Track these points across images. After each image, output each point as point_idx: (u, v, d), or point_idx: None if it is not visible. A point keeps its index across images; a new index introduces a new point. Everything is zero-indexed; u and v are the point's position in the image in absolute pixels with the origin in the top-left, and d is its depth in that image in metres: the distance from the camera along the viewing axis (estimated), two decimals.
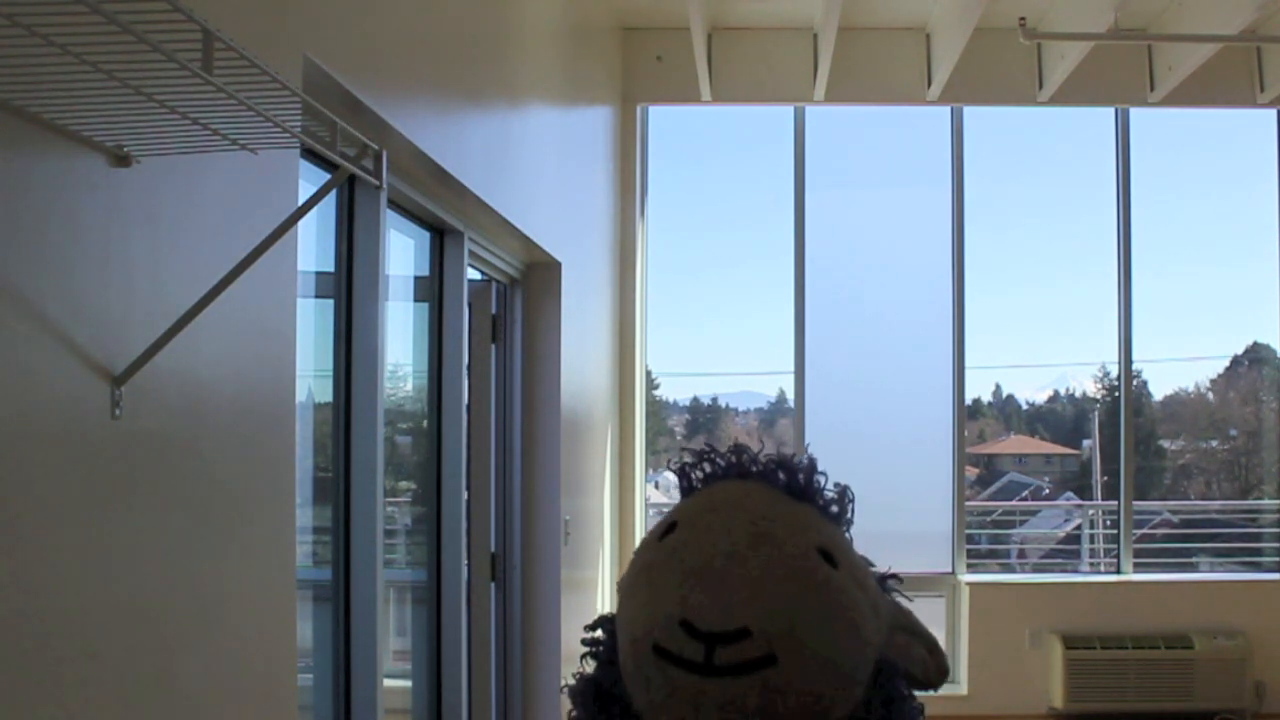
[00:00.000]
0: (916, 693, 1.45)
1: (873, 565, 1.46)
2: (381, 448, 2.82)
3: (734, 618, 1.26)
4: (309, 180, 2.24)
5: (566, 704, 1.46)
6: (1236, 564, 7.15)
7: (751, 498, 1.40)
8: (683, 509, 1.43)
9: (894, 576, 1.48)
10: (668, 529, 1.39)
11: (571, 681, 1.44)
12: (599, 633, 1.44)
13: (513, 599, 4.47)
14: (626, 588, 1.39)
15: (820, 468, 1.44)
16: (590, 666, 1.44)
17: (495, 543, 4.29)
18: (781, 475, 1.41)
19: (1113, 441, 6.68)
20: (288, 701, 2.15)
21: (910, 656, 1.41)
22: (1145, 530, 7.14)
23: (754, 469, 1.43)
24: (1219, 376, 7.98)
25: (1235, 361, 7.95)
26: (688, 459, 1.47)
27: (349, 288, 2.80)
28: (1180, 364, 7.48)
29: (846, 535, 1.44)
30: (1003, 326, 7.06)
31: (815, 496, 1.42)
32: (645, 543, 1.41)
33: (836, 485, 1.44)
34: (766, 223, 6.83)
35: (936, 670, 1.43)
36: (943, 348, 6.53)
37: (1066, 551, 7.68)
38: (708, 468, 1.45)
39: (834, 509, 1.43)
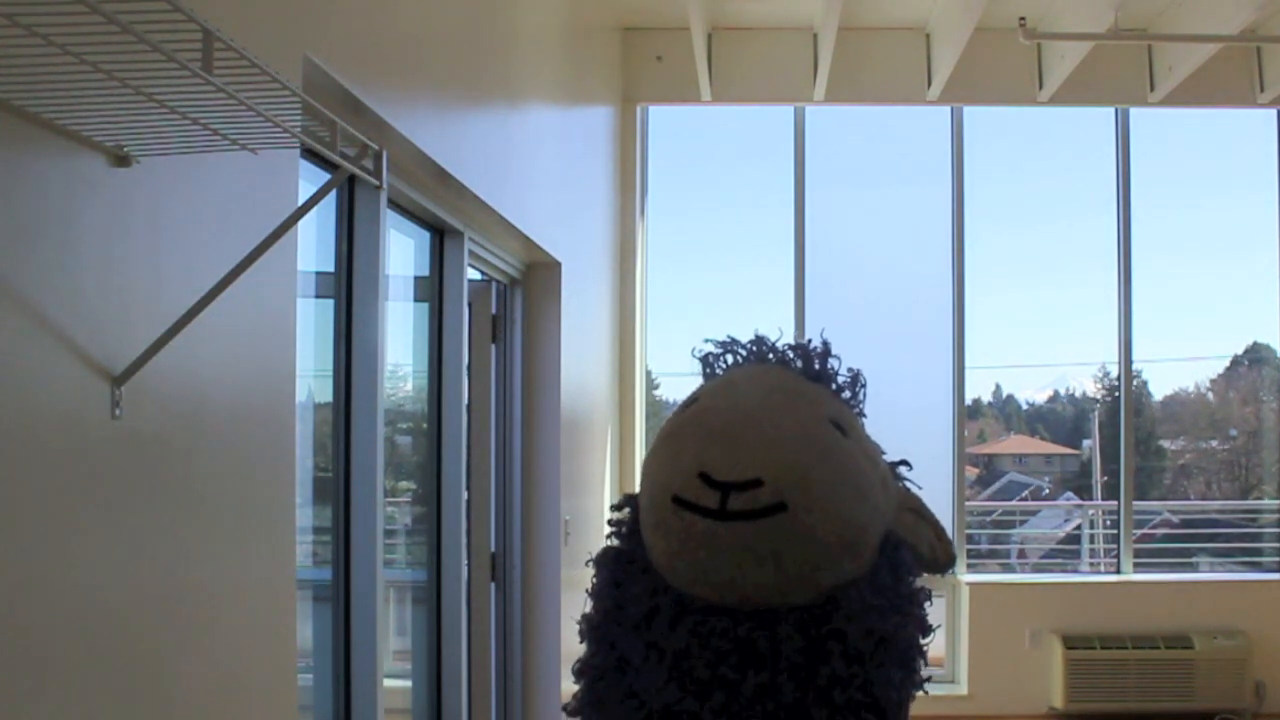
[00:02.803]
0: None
1: (884, 452, 1.53)
2: (381, 448, 2.82)
3: (748, 469, 1.34)
4: (309, 180, 2.24)
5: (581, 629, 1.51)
6: (1236, 564, 7.15)
7: (770, 374, 1.49)
8: (704, 386, 1.52)
9: (905, 463, 1.55)
10: (690, 403, 1.48)
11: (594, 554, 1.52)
12: (623, 512, 1.52)
13: (513, 599, 4.47)
14: (651, 454, 1.47)
15: (835, 353, 1.53)
16: (615, 543, 1.52)
17: (495, 543, 4.29)
18: (798, 359, 1.50)
19: (1113, 441, 6.68)
20: (288, 701, 2.15)
21: (919, 535, 1.48)
22: (1145, 530, 7.14)
23: (772, 355, 1.52)
24: (1219, 376, 7.98)
25: (1235, 361, 7.95)
26: (711, 349, 1.56)
27: (349, 288, 2.80)
28: (1180, 364, 7.49)
29: (859, 419, 1.52)
30: (1003, 326, 7.06)
31: (829, 379, 1.51)
32: (670, 417, 1.50)
33: (850, 369, 1.53)
34: (766, 223, 6.83)
35: (944, 553, 1.49)
36: (943, 348, 6.53)
37: (1066, 551, 7.68)
38: (729, 358, 1.55)
39: (846, 393, 1.52)
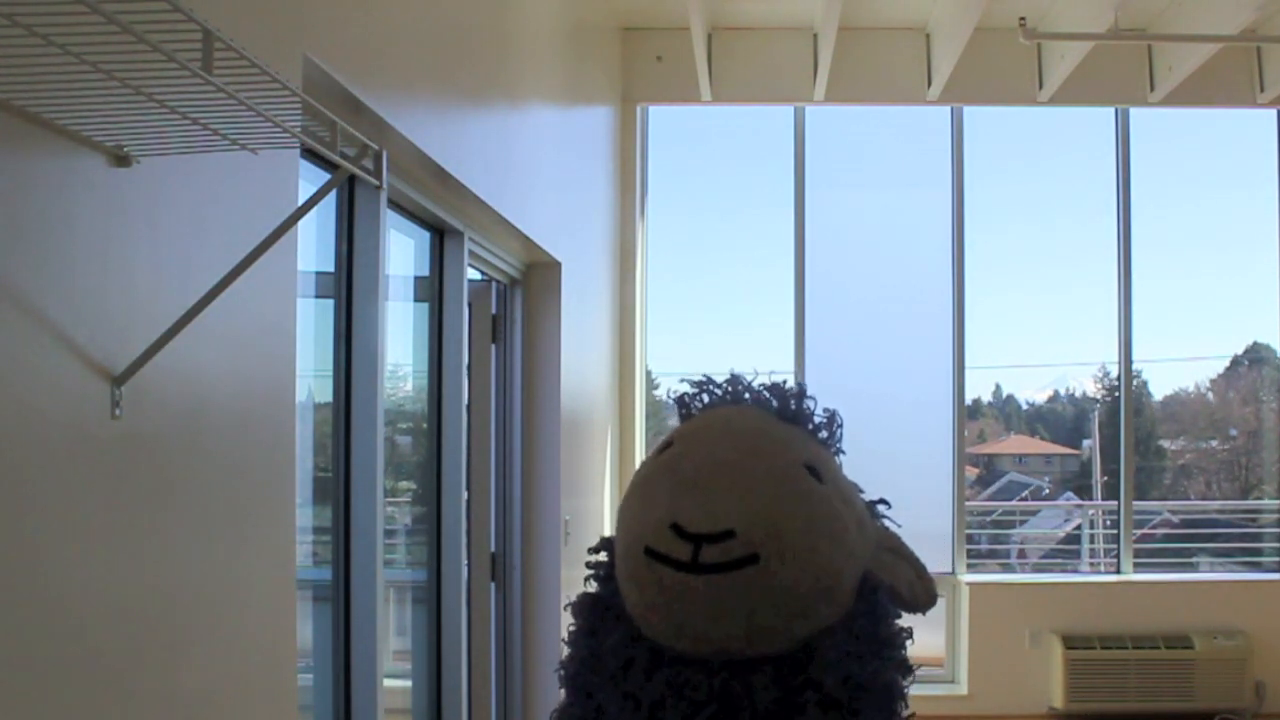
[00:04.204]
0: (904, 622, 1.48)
1: (862, 491, 1.52)
2: (381, 448, 2.82)
3: (720, 519, 1.32)
4: (309, 180, 2.24)
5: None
6: (1236, 564, 7.15)
7: (744, 417, 1.48)
8: (680, 429, 1.51)
9: (883, 501, 1.53)
10: (665, 447, 1.47)
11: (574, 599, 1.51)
12: (602, 555, 1.50)
13: (513, 599, 4.47)
14: (624, 501, 1.46)
15: (810, 394, 1.52)
16: (593, 587, 1.50)
17: (495, 543, 4.29)
18: (773, 400, 1.49)
19: (1113, 441, 6.68)
20: (288, 701, 2.14)
21: (897, 575, 1.45)
22: (1145, 530, 7.14)
23: (748, 395, 1.51)
24: (1219, 376, 7.98)
25: (1235, 361, 7.95)
26: (687, 389, 1.56)
27: (349, 288, 2.80)
28: (1180, 364, 7.49)
29: (836, 458, 1.51)
30: (1003, 326, 7.06)
31: (805, 419, 1.49)
32: (644, 461, 1.49)
33: (826, 410, 1.52)
34: (766, 222, 6.82)
35: (924, 593, 1.46)
36: (943, 348, 6.53)
37: (1066, 551, 7.68)
38: (705, 397, 1.54)
39: (823, 434, 1.50)
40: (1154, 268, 6.59)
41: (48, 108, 1.38)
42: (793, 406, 1.48)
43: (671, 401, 1.58)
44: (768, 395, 1.50)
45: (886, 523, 1.53)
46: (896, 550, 1.48)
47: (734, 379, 1.54)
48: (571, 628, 1.50)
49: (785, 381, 1.52)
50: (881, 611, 1.41)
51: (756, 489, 1.35)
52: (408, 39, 2.82)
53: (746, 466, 1.38)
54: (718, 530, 1.31)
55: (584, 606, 1.48)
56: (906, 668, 1.43)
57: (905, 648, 1.44)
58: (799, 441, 1.45)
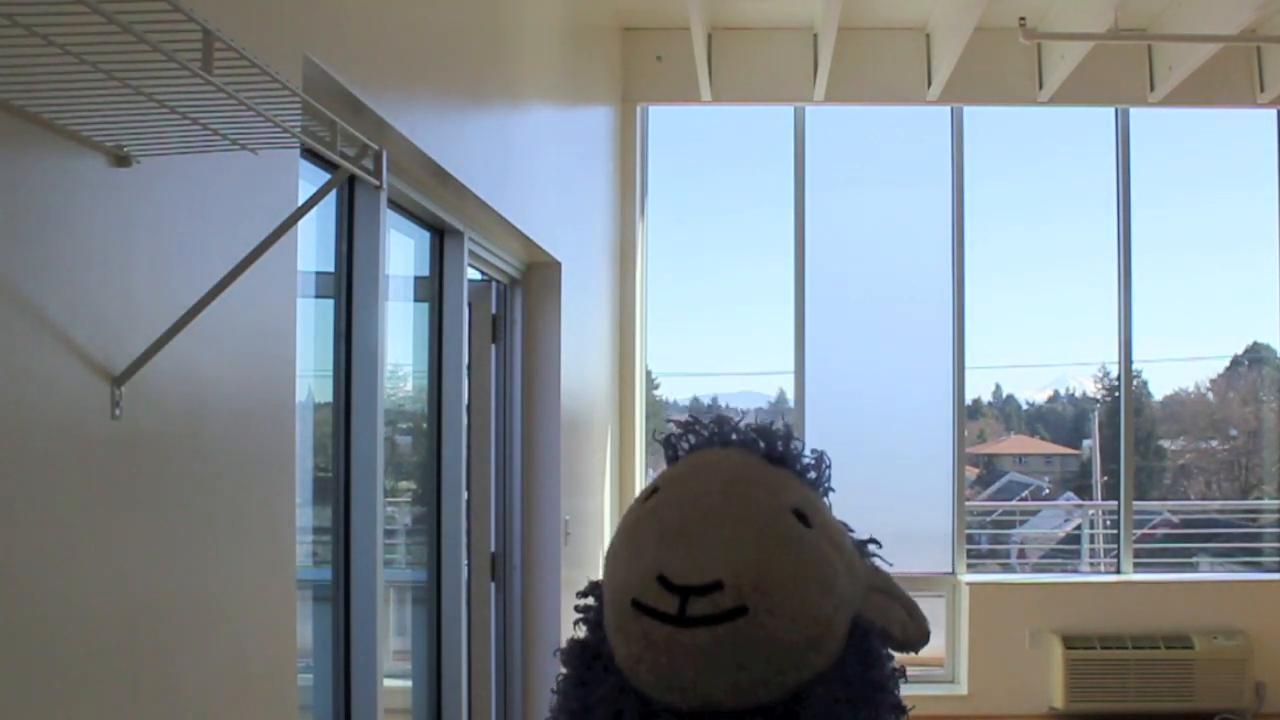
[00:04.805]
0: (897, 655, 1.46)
1: (852, 530, 1.50)
2: (381, 448, 2.82)
3: (707, 571, 1.30)
4: (309, 180, 2.24)
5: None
6: (1236, 564, 7.15)
7: (730, 461, 1.46)
8: (665, 475, 1.48)
9: (873, 541, 1.52)
10: (651, 493, 1.45)
11: (563, 645, 1.49)
12: (590, 599, 1.49)
13: (513, 599, 4.47)
14: (611, 549, 1.44)
15: (796, 435, 1.50)
16: (582, 631, 1.49)
17: (495, 543, 4.29)
18: (760, 442, 1.47)
19: (1113, 441, 6.68)
20: (288, 701, 2.15)
21: (889, 617, 1.43)
22: (1145, 530, 7.14)
23: (734, 437, 1.49)
24: (1219, 376, 7.98)
25: (1235, 361, 7.95)
26: (673, 430, 1.53)
27: (349, 288, 2.80)
28: (1180, 364, 7.48)
29: (825, 499, 1.49)
30: (1003, 326, 7.06)
31: (792, 461, 1.47)
32: (630, 507, 1.46)
33: (813, 451, 1.50)
34: (766, 222, 6.83)
35: (916, 632, 1.45)
36: (943, 348, 6.53)
37: (1066, 551, 7.68)
38: (692, 438, 1.51)
39: (811, 474, 1.48)
40: (1154, 267, 6.60)
41: (48, 108, 1.38)
42: (780, 448, 1.46)
43: (658, 442, 1.57)
44: (755, 436, 1.48)
45: (877, 561, 1.51)
46: (887, 590, 1.46)
47: (720, 419, 1.52)
48: (560, 676, 1.48)
49: (773, 422, 1.50)
50: (873, 656, 1.40)
51: (744, 538, 1.33)
52: (408, 39, 2.82)
53: (733, 514, 1.36)
54: (705, 582, 1.29)
55: (573, 655, 1.46)
56: (900, 710, 1.43)
57: (898, 690, 1.44)
58: (787, 485, 1.43)
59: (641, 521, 1.41)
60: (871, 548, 1.51)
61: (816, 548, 1.37)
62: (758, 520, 1.36)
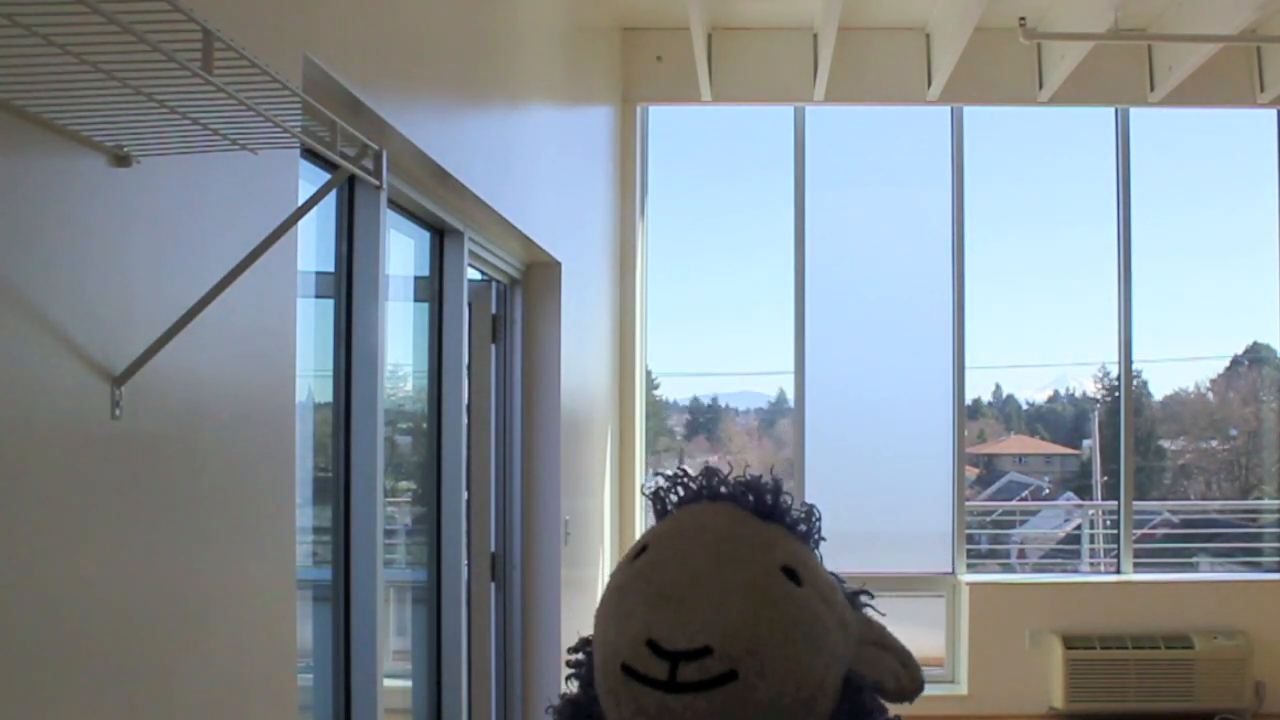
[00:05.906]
0: (892, 706, 1.47)
1: (844, 581, 1.50)
2: (381, 448, 2.82)
3: (697, 636, 1.30)
4: (309, 180, 2.24)
5: None
6: (1236, 564, 7.15)
7: (719, 519, 1.44)
8: (654, 532, 1.47)
9: (865, 592, 1.51)
10: (639, 551, 1.44)
11: (556, 702, 1.49)
12: (580, 655, 1.48)
13: (513, 599, 4.47)
14: (600, 610, 1.43)
15: (787, 488, 1.49)
16: (573, 687, 1.48)
17: (495, 543, 4.29)
18: (750, 496, 1.45)
19: (1113, 441, 6.68)
20: (288, 701, 2.15)
21: (882, 670, 1.43)
22: (1145, 530, 7.14)
23: (723, 490, 1.47)
24: (1219, 376, 7.97)
25: (1235, 361, 7.94)
26: (661, 483, 1.52)
27: (349, 288, 2.80)
28: (1180, 364, 7.48)
29: (815, 552, 1.48)
30: (1003, 326, 7.06)
31: (782, 516, 1.46)
32: (619, 565, 1.46)
33: (803, 505, 1.48)
34: (766, 223, 6.83)
35: (910, 683, 1.44)
36: (943, 348, 6.53)
37: (1066, 551, 7.68)
38: (680, 491, 1.50)
39: (801, 528, 1.47)
40: (1154, 267, 6.60)
41: (48, 108, 1.38)
42: (770, 502, 1.45)
43: (646, 497, 1.56)
44: (744, 490, 1.46)
45: (869, 612, 1.50)
46: (880, 643, 1.46)
47: (709, 472, 1.50)
48: None
49: (762, 476, 1.49)
50: (866, 711, 1.40)
51: (733, 601, 1.33)
52: (408, 39, 2.82)
53: (722, 576, 1.35)
54: (694, 647, 1.29)
55: (564, 715, 1.47)
56: None
57: None
58: (776, 541, 1.42)
59: (631, 582, 1.40)
60: (863, 599, 1.50)
61: (807, 606, 1.37)
62: (747, 582, 1.35)
